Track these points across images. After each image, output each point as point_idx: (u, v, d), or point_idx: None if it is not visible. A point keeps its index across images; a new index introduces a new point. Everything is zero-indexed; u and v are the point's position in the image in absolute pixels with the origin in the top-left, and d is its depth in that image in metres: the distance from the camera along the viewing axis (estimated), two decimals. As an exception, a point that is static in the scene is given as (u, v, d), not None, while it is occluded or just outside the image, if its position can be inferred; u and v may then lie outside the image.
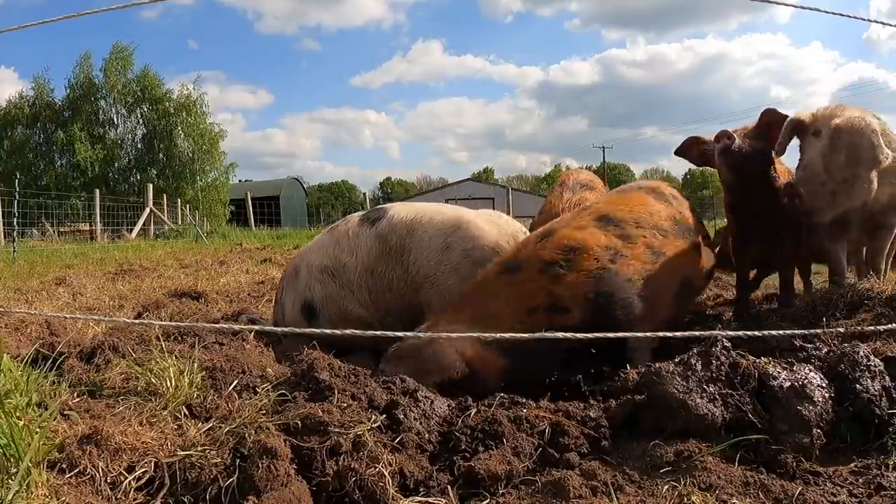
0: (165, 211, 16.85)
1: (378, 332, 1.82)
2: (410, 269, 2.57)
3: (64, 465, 1.24)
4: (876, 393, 1.46)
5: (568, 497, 1.23)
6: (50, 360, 1.81)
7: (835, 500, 1.22)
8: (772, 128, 2.72)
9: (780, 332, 1.71)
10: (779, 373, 1.47)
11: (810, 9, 1.88)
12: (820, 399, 1.44)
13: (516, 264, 1.99)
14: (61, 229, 13.36)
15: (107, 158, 24.84)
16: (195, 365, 1.70)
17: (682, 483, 1.25)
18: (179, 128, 25.51)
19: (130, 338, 2.11)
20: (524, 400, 1.58)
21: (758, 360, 1.52)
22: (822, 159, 2.41)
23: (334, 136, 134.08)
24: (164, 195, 18.49)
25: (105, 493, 1.21)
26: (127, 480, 1.23)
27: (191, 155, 25.42)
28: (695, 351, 1.52)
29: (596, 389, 1.68)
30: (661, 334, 1.55)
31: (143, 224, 14.66)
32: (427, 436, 1.41)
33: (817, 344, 1.71)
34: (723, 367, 1.48)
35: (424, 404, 1.50)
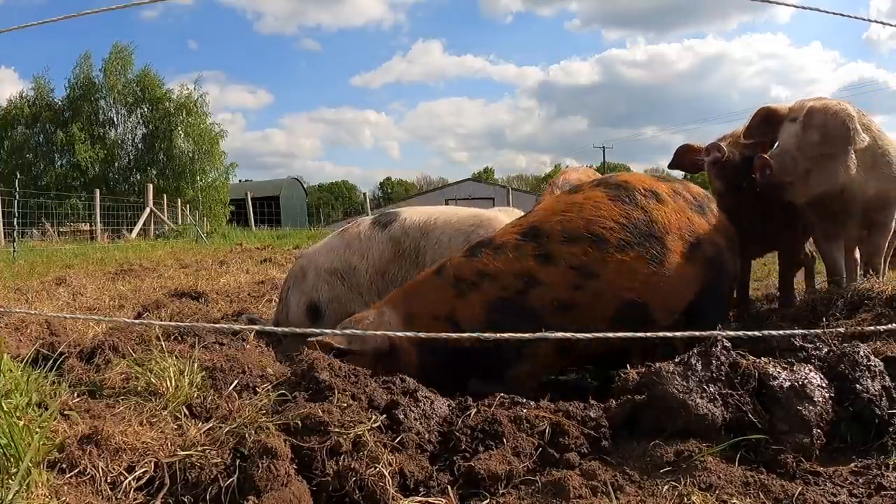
0: (165, 211, 16.86)
1: (378, 333, 1.83)
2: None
3: (64, 465, 1.24)
4: (876, 393, 1.46)
5: (568, 497, 1.23)
6: (50, 360, 1.81)
7: (835, 500, 1.22)
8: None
9: (780, 332, 1.71)
10: (779, 373, 1.47)
11: (810, 9, 1.88)
12: (820, 399, 1.44)
13: (443, 267, 1.95)
14: (61, 229, 13.36)
15: (107, 158, 24.84)
16: (195, 365, 1.70)
17: (682, 483, 1.25)
18: (179, 128, 25.50)
19: (130, 338, 2.11)
20: (524, 400, 1.58)
21: (758, 360, 1.52)
22: (795, 139, 2.42)
23: (334, 136, 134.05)
24: (165, 195, 18.49)
25: (105, 493, 1.21)
26: (127, 480, 1.23)
27: (191, 155, 25.41)
28: (695, 351, 1.52)
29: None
30: (661, 334, 1.54)
31: (144, 224, 14.66)
32: (427, 436, 1.41)
33: (817, 344, 1.71)
34: (723, 367, 1.48)
35: (424, 404, 1.50)
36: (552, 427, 1.42)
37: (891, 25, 2.03)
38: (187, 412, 1.51)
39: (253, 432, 1.33)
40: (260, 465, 1.23)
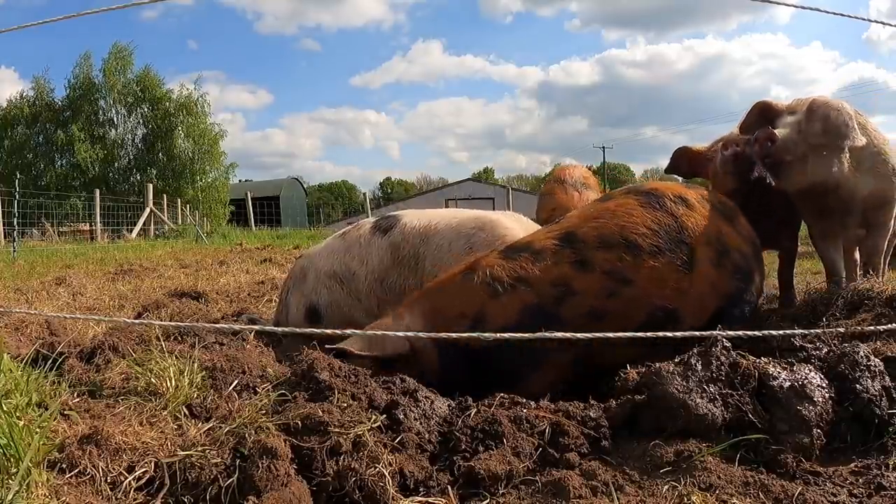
0: (165, 211, 16.87)
1: (379, 333, 1.83)
2: (427, 277, 2.52)
3: (64, 465, 1.24)
4: (876, 393, 1.46)
5: (568, 497, 1.23)
6: (50, 360, 1.81)
7: (835, 500, 1.22)
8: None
9: (780, 332, 1.71)
10: (779, 373, 1.47)
11: (810, 9, 1.88)
12: (820, 399, 1.44)
13: (474, 267, 1.90)
14: (61, 229, 13.36)
15: (107, 158, 24.86)
16: (195, 365, 1.70)
17: (682, 483, 1.25)
18: (179, 128, 25.53)
19: (130, 338, 2.11)
20: (524, 400, 1.58)
21: (758, 360, 1.52)
22: (797, 125, 2.43)
23: (334, 136, 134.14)
24: (165, 195, 18.50)
25: (105, 493, 1.21)
26: (127, 480, 1.23)
27: (191, 155, 25.44)
28: (695, 351, 1.52)
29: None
30: (661, 334, 1.54)
31: (144, 224, 14.67)
32: (427, 436, 1.41)
33: (817, 344, 1.71)
34: (723, 367, 1.48)
35: (424, 404, 1.50)
36: (552, 427, 1.42)
37: (891, 25, 2.04)
38: (187, 412, 1.51)
39: (253, 432, 1.33)
40: (260, 465, 1.23)
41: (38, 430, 1.27)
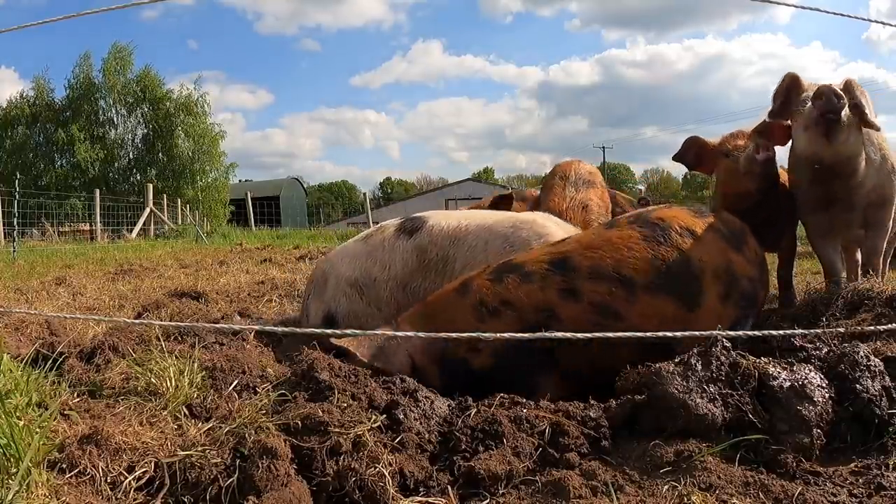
0: (165, 211, 16.87)
1: (379, 332, 1.83)
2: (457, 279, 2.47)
3: (64, 465, 1.24)
4: (876, 393, 1.46)
5: (568, 497, 1.23)
6: (50, 360, 1.81)
7: (835, 500, 1.22)
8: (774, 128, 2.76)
9: (780, 332, 1.71)
10: (779, 373, 1.47)
11: (810, 9, 1.88)
12: (820, 399, 1.44)
13: (466, 287, 1.88)
14: (61, 229, 13.37)
15: (107, 158, 24.87)
16: (195, 365, 1.70)
17: (682, 483, 1.25)
18: (179, 128, 25.54)
19: (130, 338, 2.11)
20: (524, 400, 1.58)
21: (758, 360, 1.52)
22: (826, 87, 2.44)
23: (334, 136, 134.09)
24: (165, 195, 18.50)
25: (105, 493, 1.21)
26: (127, 480, 1.23)
27: (191, 155, 25.44)
28: (695, 351, 1.52)
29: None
30: (661, 334, 1.54)
31: (143, 224, 14.67)
32: (427, 436, 1.41)
33: (817, 344, 1.71)
34: (723, 367, 1.48)
35: (424, 404, 1.50)
36: (552, 427, 1.42)
37: (891, 25, 2.03)
38: (187, 412, 1.51)
39: (253, 432, 1.33)
40: (260, 465, 1.23)
41: (38, 430, 1.27)
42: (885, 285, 2.36)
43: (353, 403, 1.44)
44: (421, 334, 1.63)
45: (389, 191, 66.51)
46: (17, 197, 8.83)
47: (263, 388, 1.61)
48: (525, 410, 1.50)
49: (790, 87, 2.63)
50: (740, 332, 1.56)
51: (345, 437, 1.31)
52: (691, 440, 1.36)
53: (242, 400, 1.54)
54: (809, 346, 1.69)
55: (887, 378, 1.51)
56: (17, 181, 9.43)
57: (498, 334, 1.55)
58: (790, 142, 2.77)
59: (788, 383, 1.45)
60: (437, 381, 1.75)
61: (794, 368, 1.50)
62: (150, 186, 15.80)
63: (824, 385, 1.47)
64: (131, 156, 26.06)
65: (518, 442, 1.38)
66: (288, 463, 1.26)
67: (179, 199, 19.66)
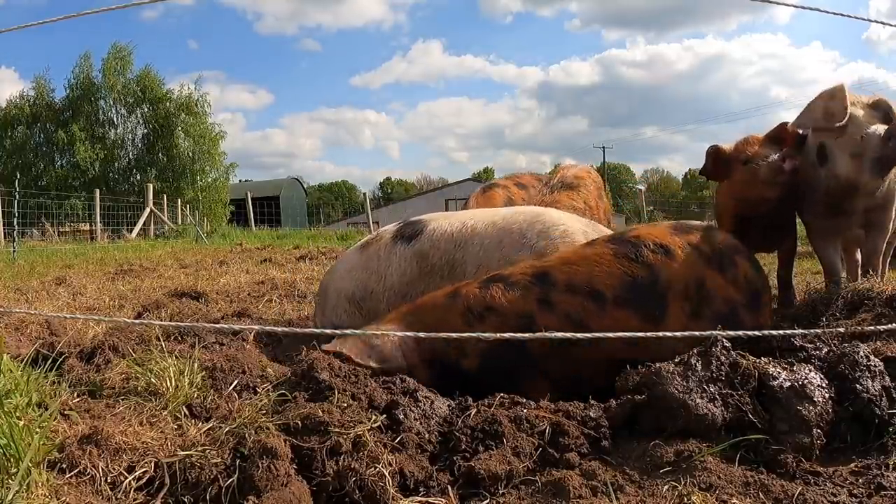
0: (165, 211, 16.87)
1: (379, 332, 1.83)
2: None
3: (64, 465, 1.24)
4: (876, 393, 1.46)
5: (568, 497, 1.23)
6: (50, 360, 1.81)
7: (835, 500, 1.22)
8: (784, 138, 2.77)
9: (780, 332, 1.71)
10: (779, 373, 1.47)
11: (810, 9, 1.87)
12: (820, 399, 1.44)
13: (457, 293, 1.93)
14: (61, 229, 13.37)
15: (107, 158, 24.87)
16: (195, 365, 1.70)
17: (682, 483, 1.25)
18: (180, 128, 25.54)
19: (130, 338, 2.11)
20: (524, 400, 1.58)
21: (758, 360, 1.52)
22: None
23: (334, 136, 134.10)
24: (164, 195, 18.50)
25: (105, 493, 1.21)
26: (127, 480, 1.23)
27: (191, 155, 25.44)
28: (695, 351, 1.52)
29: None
30: (661, 334, 1.54)
31: (143, 224, 14.67)
32: (427, 436, 1.41)
33: (817, 344, 1.71)
34: (723, 367, 1.48)
35: (424, 404, 1.50)
36: (552, 427, 1.42)
37: (891, 25, 2.03)
38: (187, 412, 1.51)
39: (253, 432, 1.33)
40: (260, 465, 1.23)
41: (38, 430, 1.27)
42: (885, 285, 2.36)
43: (353, 403, 1.44)
44: (422, 335, 1.63)
45: (389, 191, 66.52)
46: (17, 197, 8.83)
47: (263, 388, 1.61)
48: (525, 410, 1.50)
49: (839, 103, 2.59)
50: (740, 332, 1.56)
51: (345, 437, 1.31)
52: (691, 440, 1.36)
53: (242, 400, 1.54)
54: (809, 346, 1.69)
55: (887, 378, 1.51)
56: (17, 181, 9.43)
57: (497, 334, 1.56)
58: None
59: (788, 383, 1.45)
60: (426, 382, 1.77)
61: (794, 368, 1.50)
62: (150, 186, 15.80)
63: (824, 385, 1.47)
64: (131, 156, 26.07)
65: (518, 442, 1.38)
66: (288, 463, 1.26)
67: (179, 199, 19.66)
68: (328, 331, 1.90)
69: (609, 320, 1.78)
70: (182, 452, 1.28)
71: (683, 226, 2.02)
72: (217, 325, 1.90)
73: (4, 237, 10.69)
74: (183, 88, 26.17)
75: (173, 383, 1.59)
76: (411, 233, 2.46)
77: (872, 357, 1.55)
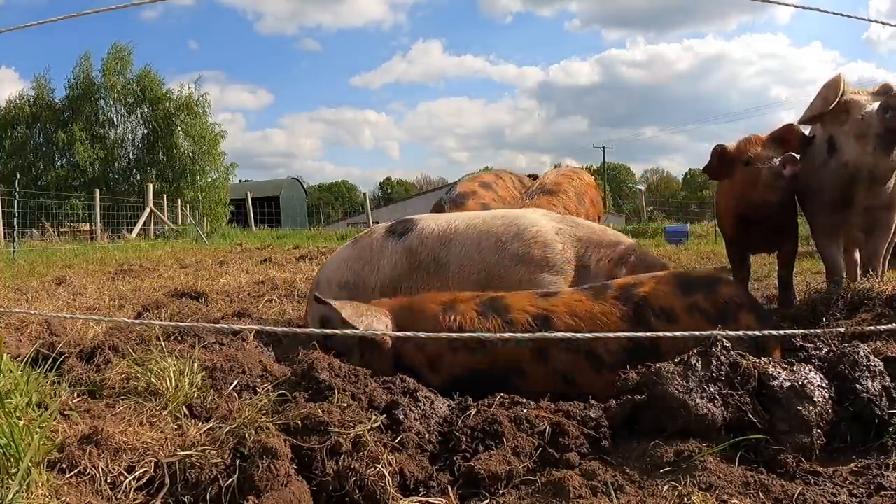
0: (165, 211, 16.86)
1: (380, 332, 1.83)
2: (452, 280, 2.44)
3: (64, 465, 1.24)
4: (876, 393, 1.46)
5: (568, 497, 1.23)
6: (50, 360, 1.81)
7: (835, 500, 1.22)
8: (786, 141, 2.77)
9: (780, 332, 1.71)
10: (779, 373, 1.47)
11: (810, 9, 1.87)
12: (820, 399, 1.44)
13: (453, 308, 1.91)
14: (61, 229, 13.37)
15: (107, 158, 24.86)
16: (195, 365, 1.70)
17: (683, 483, 1.25)
18: (180, 128, 25.52)
19: (130, 338, 2.11)
20: (524, 400, 1.58)
21: (758, 360, 1.52)
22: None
23: (334, 136, 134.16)
24: (164, 195, 18.50)
25: (105, 493, 1.21)
26: (127, 480, 1.23)
27: (191, 155, 25.42)
28: (695, 351, 1.52)
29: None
30: (661, 334, 1.54)
31: (143, 224, 14.67)
32: (427, 436, 1.41)
33: (817, 344, 1.71)
34: (723, 367, 1.48)
35: (424, 404, 1.50)
36: (552, 427, 1.42)
37: (891, 25, 2.03)
38: (187, 412, 1.50)
39: (253, 432, 1.33)
40: (260, 465, 1.23)
41: (38, 430, 1.27)
42: (885, 285, 2.36)
43: (353, 403, 1.44)
44: (426, 335, 1.63)
45: (389, 191, 66.48)
46: (17, 197, 8.83)
47: (263, 388, 1.61)
48: (525, 410, 1.50)
49: (832, 87, 2.61)
50: (740, 333, 1.56)
51: (345, 437, 1.31)
52: (691, 440, 1.36)
53: (242, 400, 1.54)
54: (809, 346, 1.69)
55: (887, 378, 1.51)
56: (17, 181, 9.43)
57: (498, 334, 1.55)
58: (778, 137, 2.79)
59: (788, 383, 1.45)
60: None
61: (794, 368, 1.50)
62: (150, 186, 15.80)
63: (824, 385, 1.47)
64: (131, 156, 26.05)
65: (518, 442, 1.38)
66: (288, 463, 1.26)
67: (179, 199, 19.65)
68: (328, 331, 1.90)
69: (604, 382, 1.73)
70: (182, 452, 1.28)
71: (690, 282, 1.94)
72: (217, 325, 1.90)
73: (4, 237, 10.69)
74: (183, 88, 26.18)
75: (173, 383, 1.59)
76: (402, 229, 2.57)
77: (872, 357, 1.55)
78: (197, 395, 1.58)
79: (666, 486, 1.25)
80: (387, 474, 1.26)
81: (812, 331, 1.82)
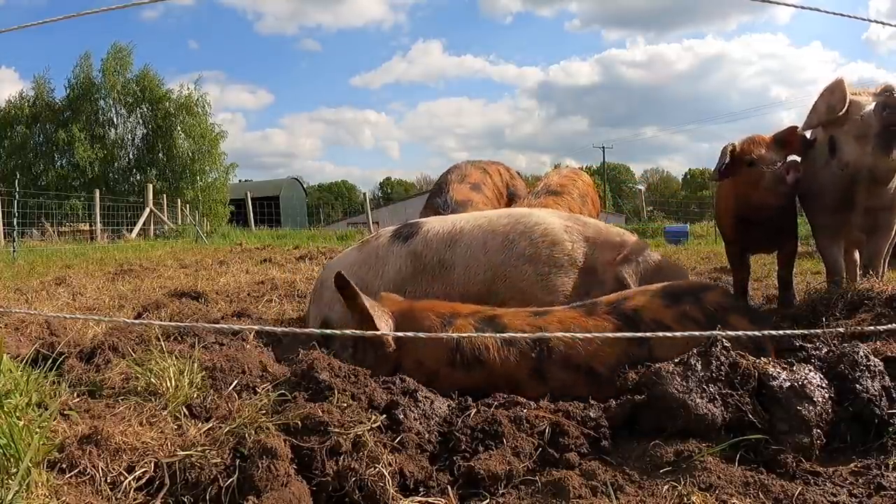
0: (165, 211, 16.86)
1: (380, 333, 1.83)
2: (458, 283, 2.41)
3: (64, 465, 1.24)
4: (876, 393, 1.46)
5: (568, 497, 1.23)
6: (50, 360, 1.81)
7: (835, 500, 1.22)
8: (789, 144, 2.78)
9: (780, 332, 1.71)
10: (779, 373, 1.47)
11: (810, 9, 1.87)
12: (820, 399, 1.44)
13: (452, 322, 1.91)
14: (61, 229, 13.36)
15: (107, 158, 24.87)
16: (195, 365, 1.70)
17: (682, 483, 1.25)
18: (179, 128, 25.53)
19: (130, 338, 2.11)
20: (524, 400, 1.58)
21: (758, 360, 1.52)
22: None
23: (334, 136, 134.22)
24: (164, 195, 18.50)
25: (105, 493, 1.21)
26: (127, 480, 1.23)
27: (191, 155, 25.44)
28: (695, 351, 1.52)
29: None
30: (660, 334, 1.54)
31: (143, 224, 14.67)
32: (427, 436, 1.41)
33: (817, 344, 1.71)
34: (723, 367, 1.48)
35: (424, 404, 1.50)
36: (552, 427, 1.42)
37: (891, 25, 2.03)
38: (187, 412, 1.50)
39: (253, 432, 1.33)
40: (260, 465, 1.23)
41: (38, 430, 1.27)
42: (885, 285, 2.36)
43: (353, 403, 1.44)
44: (427, 334, 1.63)
45: (389, 191, 66.49)
46: (17, 197, 8.83)
47: (263, 388, 1.61)
48: (525, 410, 1.50)
49: (838, 94, 2.60)
50: (740, 333, 1.56)
51: (345, 437, 1.31)
52: (691, 440, 1.36)
53: (242, 400, 1.54)
54: (809, 346, 1.69)
55: (887, 378, 1.51)
56: (17, 181, 9.43)
57: (498, 334, 1.55)
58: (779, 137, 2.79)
59: (788, 383, 1.45)
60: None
61: (794, 368, 1.50)
62: (150, 186, 15.79)
63: (824, 385, 1.47)
64: (131, 156, 26.06)
65: (518, 442, 1.38)
66: (288, 463, 1.26)
67: (179, 200, 19.64)
68: (328, 331, 1.90)
69: (602, 395, 1.72)
70: (182, 452, 1.28)
71: (676, 292, 1.97)
72: (217, 325, 1.89)
73: (4, 237, 10.68)
74: (183, 88, 26.20)
75: (173, 383, 1.59)
76: (408, 233, 2.55)
77: (872, 357, 1.55)
78: (197, 395, 1.58)
79: (666, 486, 1.25)
80: (387, 474, 1.26)
81: (812, 331, 1.81)
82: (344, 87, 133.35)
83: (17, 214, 8.82)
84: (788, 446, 1.36)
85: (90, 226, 14.01)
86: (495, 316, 1.93)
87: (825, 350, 1.65)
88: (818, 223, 2.89)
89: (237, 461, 1.27)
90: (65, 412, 1.46)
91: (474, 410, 1.50)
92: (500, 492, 1.28)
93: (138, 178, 24.91)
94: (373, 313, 1.84)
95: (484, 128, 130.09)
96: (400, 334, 1.67)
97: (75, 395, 1.61)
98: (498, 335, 1.77)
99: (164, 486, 1.23)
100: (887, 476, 1.28)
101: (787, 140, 2.80)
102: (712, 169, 3.00)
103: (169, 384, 1.59)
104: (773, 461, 1.34)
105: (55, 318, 2.57)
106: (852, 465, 1.35)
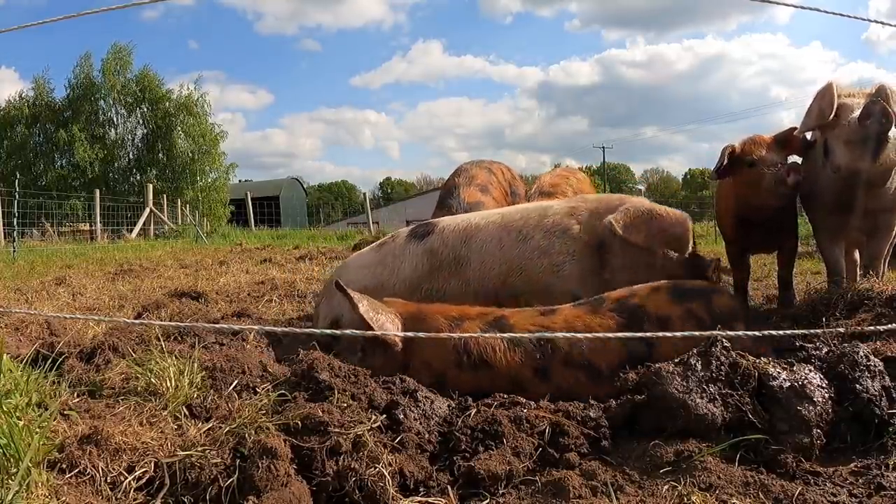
0: (165, 211, 16.85)
1: (379, 333, 1.83)
2: (473, 277, 2.45)
3: (64, 465, 1.24)
4: (876, 393, 1.46)
5: (568, 497, 1.23)
6: (50, 360, 1.81)
7: (835, 500, 1.22)
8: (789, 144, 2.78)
9: (780, 332, 1.71)
10: (779, 373, 1.47)
11: (810, 9, 1.87)
12: (820, 399, 1.44)
13: (460, 324, 1.91)
14: (61, 229, 13.35)
15: (107, 158, 24.84)
16: (195, 365, 1.70)
17: (682, 483, 1.25)
18: (179, 128, 25.51)
19: (130, 338, 2.11)
20: (524, 400, 1.58)
21: (758, 360, 1.52)
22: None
23: (334, 136, 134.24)
24: (164, 195, 18.49)
25: (105, 493, 1.21)
26: (127, 480, 1.23)
27: (191, 155, 25.41)
28: (695, 351, 1.52)
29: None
30: (660, 334, 1.54)
31: (143, 224, 14.66)
32: (427, 436, 1.41)
33: (817, 344, 1.71)
34: (723, 367, 1.48)
35: (424, 404, 1.50)
36: (552, 427, 1.42)
37: (891, 25, 2.03)
38: (187, 412, 1.51)
39: (253, 432, 1.33)
40: (260, 465, 1.23)
41: (38, 430, 1.27)
42: (885, 285, 2.36)
43: (353, 403, 1.44)
44: (433, 334, 1.64)
45: (389, 191, 66.46)
46: (17, 197, 8.84)
47: (263, 388, 1.61)
48: (525, 410, 1.50)
49: (827, 98, 2.60)
50: (740, 333, 1.56)
51: (345, 437, 1.31)
52: (691, 440, 1.36)
53: (242, 400, 1.54)
54: (809, 346, 1.69)
55: (887, 378, 1.51)
56: (17, 181, 9.43)
57: (498, 334, 1.55)
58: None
59: (788, 383, 1.45)
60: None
61: (794, 368, 1.50)
62: (150, 186, 15.78)
63: (824, 385, 1.47)
64: (131, 156, 26.02)
65: (518, 442, 1.38)
66: (288, 463, 1.26)
67: (179, 200, 19.63)
68: (328, 331, 1.90)
69: (604, 391, 1.73)
70: (182, 452, 1.28)
71: (684, 290, 1.97)
72: (217, 325, 1.90)
73: (4, 237, 10.68)
74: (183, 88, 26.14)
75: (173, 383, 1.59)
76: (423, 231, 2.60)
77: (872, 357, 1.55)
78: (197, 395, 1.58)
79: (666, 486, 1.25)
80: (387, 474, 1.26)
81: (812, 331, 1.82)
82: (344, 87, 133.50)
83: (17, 214, 8.82)
84: (788, 446, 1.36)
85: (90, 226, 14.00)
86: (502, 317, 1.94)
87: (825, 350, 1.65)
88: (819, 223, 2.89)
89: (237, 461, 1.27)
90: (65, 412, 1.46)
91: (474, 410, 1.50)
92: (501, 492, 1.28)
93: (138, 178, 24.87)
94: (368, 318, 1.83)
95: (484, 128, 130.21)
96: (400, 334, 1.67)
97: (75, 395, 1.61)
98: (505, 335, 1.78)
99: (164, 486, 1.23)
100: (887, 476, 1.28)
101: (787, 141, 2.80)
102: (712, 169, 3.01)
103: (169, 384, 1.59)
104: (774, 461, 1.34)
105: (55, 318, 2.57)
106: (852, 465, 1.35)
